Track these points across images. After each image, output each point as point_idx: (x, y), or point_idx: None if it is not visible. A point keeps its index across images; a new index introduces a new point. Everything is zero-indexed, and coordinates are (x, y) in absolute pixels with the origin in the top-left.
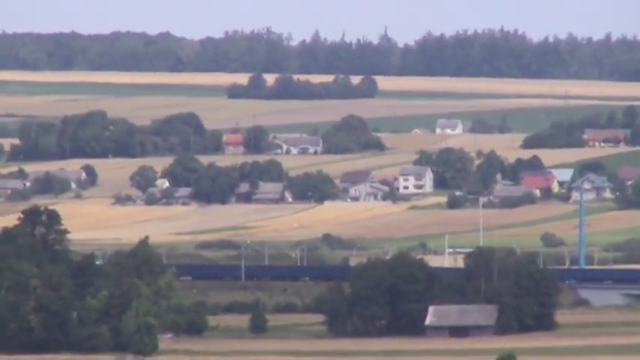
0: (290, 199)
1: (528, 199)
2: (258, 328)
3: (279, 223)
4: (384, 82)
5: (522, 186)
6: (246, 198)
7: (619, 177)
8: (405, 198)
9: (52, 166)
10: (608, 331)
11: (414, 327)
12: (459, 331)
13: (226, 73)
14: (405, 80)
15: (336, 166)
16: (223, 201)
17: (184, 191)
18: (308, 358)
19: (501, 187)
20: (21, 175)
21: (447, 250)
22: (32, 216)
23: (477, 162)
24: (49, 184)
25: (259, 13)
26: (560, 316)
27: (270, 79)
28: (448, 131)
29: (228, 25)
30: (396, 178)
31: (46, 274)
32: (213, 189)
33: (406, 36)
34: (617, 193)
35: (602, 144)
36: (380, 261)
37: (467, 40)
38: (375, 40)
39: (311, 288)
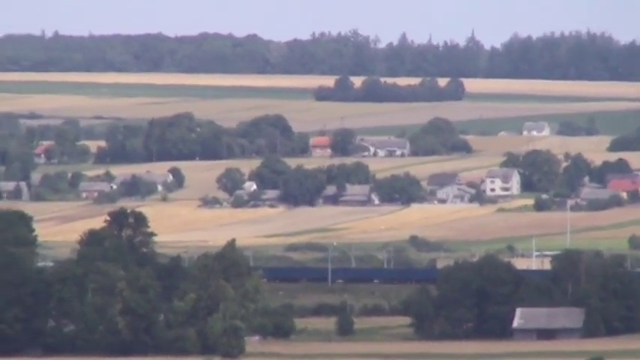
0: (377, 202)
1: (615, 202)
2: (345, 330)
3: (366, 225)
4: (470, 85)
5: (609, 189)
6: (334, 200)
7: None
8: (492, 200)
9: (139, 169)
10: None
11: (501, 330)
12: (546, 334)
13: (313, 76)
14: (492, 82)
15: (423, 168)
16: (310, 203)
17: (272, 193)
18: None
19: (588, 190)
20: (108, 177)
21: (534, 253)
22: (119, 218)
23: (564, 164)
24: (135, 187)
25: (346, 15)
26: None
27: (357, 81)
28: (535, 133)
29: (316, 27)
30: (482, 181)
31: (132, 277)
32: (300, 191)
33: (493, 38)
34: None
35: None
36: (467, 263)
37: (553, 42)
38: (462, 43)
39: (398, 290)
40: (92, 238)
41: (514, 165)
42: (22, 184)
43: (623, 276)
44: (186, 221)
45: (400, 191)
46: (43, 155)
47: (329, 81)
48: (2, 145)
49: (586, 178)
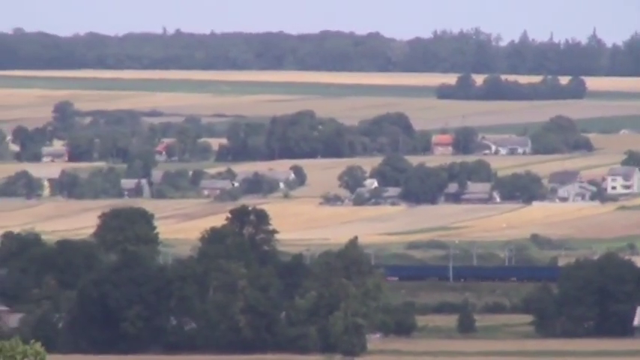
0: (498, 200)
1: None
2: (466, 328)
3: (487, 224)
4: (592, 83)
5: None
6: (455, 198)
7: None
8: (613, 198)
9: (261, 167)
10: None
11: (622, 328)
12: None
13: (435, 74)
14: (614, 81)
15: (544, 166)
16: (432, 201)
17: (393, 191)
18: (516, 359)
19: None
20: (229, 175)
21: None
22: (241, 216)
23: None
24: (257, 184)
25: (468, 13)
26: None
27: (478, 79)
28: None
29: (437, 26)
30: (604, 179)
31: (254, 275)
32: (422, 189)
33: (614, 36)
34: None
35: None
36: (588, 262)
37: None
38: (584, 41)
39: (519, 288)
40: (214, 236)
41: (635, 163)
42: (143, 181)
43: None
44: (308, 219)
45: (521, 189)
46: (164, 153)
47: (451, 79)
48: (124, 143)
49: None
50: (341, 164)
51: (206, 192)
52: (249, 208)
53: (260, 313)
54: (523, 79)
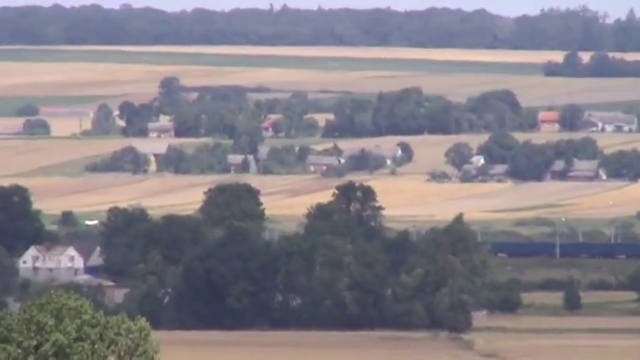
0: (604, 177)
1: None
2: (572, 305)
3: (593, 201)
4: None
5: None
6: (561, 176)
7: None
8: None
9: (367, 143)
10: None
11: None
12: None
13: (542, 51)
14: None
15: None
16: (538, 178)
17: (499, 168)
18: (621, 336)
19: None
20: (336, 151)
21: None
22: (347, 192)
23: None
24: (364, 161)
25: None
26: None
27: (585, 57)
28: None
29: (544, 3)
30: None
31: (360, 251)
32: (528, 166)
33: None
34: None
35: None
36: None
37: None
38: None
39: (625, 265)
40: (320, 212)
41: None
42: (250, 157)
43: None
44: (415, 195)
45: (628, 167)
46: (270, 129)
47: (558, 56)
48: (230, 119)
49: None
50: (448, 141)
51: (312, 168)
52: (356, 185)
53: (366, 290)
54: (629, 57)
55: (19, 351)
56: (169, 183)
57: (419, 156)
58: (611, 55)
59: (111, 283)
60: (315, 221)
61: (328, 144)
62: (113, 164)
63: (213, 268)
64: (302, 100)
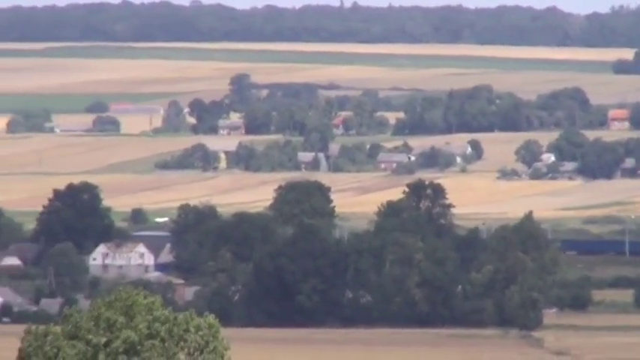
0: None
1: None
2: None
3: None
4: None
5: None
6: (632, 173)
7: None
8: None
9: (438, 141)
10: None
11: None
12: None
13: (612, 49)
14: None
15: None
16: (608, 176)
17: (570, 166)
18: None
19: None
20: (406, 149)
21: None
22: (417, 190)
23: None
24: (434, 159)
25: None
26: None
27: None
28: None
29: (615, 1)
30: None
31: (430, 248)
32: (598, 164)
33: None
34: None
35: None
36: None
37: None
38: None
39: None
40: (390, 210)
41: None
42: (320, 155)
43: None
44: (485, 193)
45: None
46: (341, 126)
47: (628, 54)
48: (301, 116)
49: None
50: (518, 138)
51: (383, 165)
52: (426, 182)
53: (436, 287)
54: None
55: (89, 348)
56: (239, 180)
57: (489, 153)
58: None
59: (181, 281)
60: (386, 219)
61: (398, 141)
62: (183, 161)
63: (283, 265)
64: (372, 98)
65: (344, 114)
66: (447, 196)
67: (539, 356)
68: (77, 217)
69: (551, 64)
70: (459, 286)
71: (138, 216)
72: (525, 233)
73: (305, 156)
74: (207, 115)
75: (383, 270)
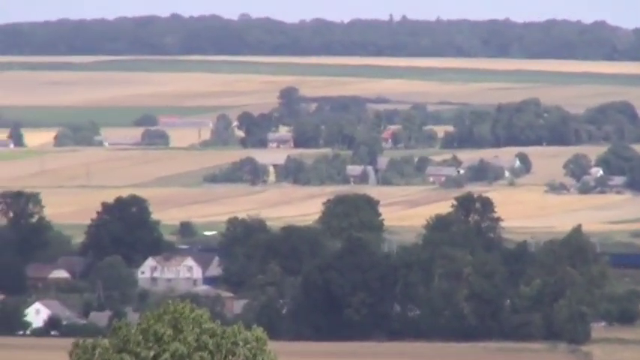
0: None
1: None
2: None
3: None
4: None
5: None
6: None
7: None
8: None
9: (486, 154)
10: None
11: None
12: None
13: None
14: None
15: None
16: None
17: (618, 180)
18: None
19: None
20: (455, 162)
21: None
22: (466, 203)
23: None
24: (482, 172)
25: None
26: None
27: None
28: None
29: None
30: None
31: (479, 262)
32: None
33: None
34: None
35: None
36: None
37: None
38: None
39: None
40: (439, 223)
41: None
42: (369, 168)
43: None
44: (533, 207)
45: None
46: (389, 140)
47: None
48: (350, 130)
49: None
50: (566, 152)
51: (431, 179)
52: (475, 196)
53: (485, 301)
54: None
55: None
56: (288, 194)
57: (537, 167)
58: None
59: (229, 294)
60: (434, 232)
61: (447, 155)
62: (232, 175)
63: (331, 279)
64: (421, 112)
65: (393, 127)
66: (496, 209)
67: None
68: (126, 230)
69: (599, 77)
70: (508, 300)
71: (186, 229)
72: (574, 247)
73: (354, 169)
74: (255, 129)
75: (431, 284)
